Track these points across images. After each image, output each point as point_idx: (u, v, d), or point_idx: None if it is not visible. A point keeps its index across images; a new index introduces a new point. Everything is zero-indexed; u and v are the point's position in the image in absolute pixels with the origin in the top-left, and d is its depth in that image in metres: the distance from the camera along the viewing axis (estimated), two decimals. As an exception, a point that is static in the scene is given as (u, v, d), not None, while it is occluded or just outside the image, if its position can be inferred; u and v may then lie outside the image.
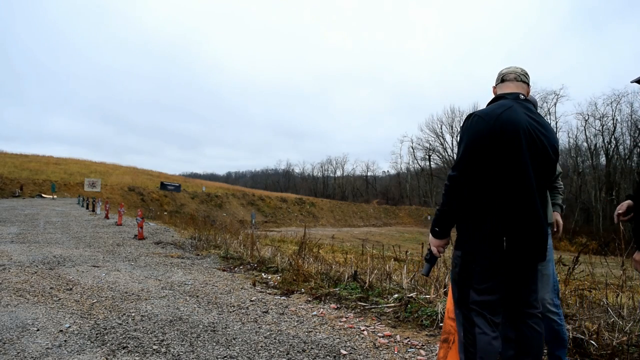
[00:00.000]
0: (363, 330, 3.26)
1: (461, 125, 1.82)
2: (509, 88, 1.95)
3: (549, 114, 44.82)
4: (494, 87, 2.06)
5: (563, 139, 48.05)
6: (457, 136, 61.03)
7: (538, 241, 1.73)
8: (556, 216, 2.37)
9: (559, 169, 2.47)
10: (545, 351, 2.28)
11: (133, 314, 3.57)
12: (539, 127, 1.78)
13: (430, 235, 1.91)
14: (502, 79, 2.00)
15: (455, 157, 1.89)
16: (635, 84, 1.94)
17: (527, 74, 2.00)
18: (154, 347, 2.83)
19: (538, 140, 1.75)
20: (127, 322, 3.35)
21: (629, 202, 1.85)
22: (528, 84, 1.98)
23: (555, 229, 2.35)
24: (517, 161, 1.69)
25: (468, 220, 1.76)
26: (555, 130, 44.76)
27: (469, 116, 1.79)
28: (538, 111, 2.42)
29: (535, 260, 1.78)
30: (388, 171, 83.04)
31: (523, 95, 1.90)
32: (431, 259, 1.93)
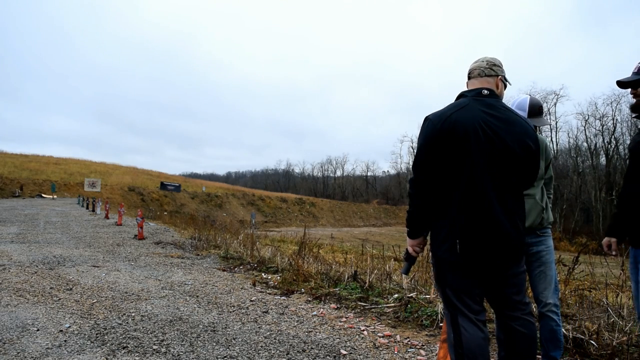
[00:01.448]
0: (363, 330, 3.26)
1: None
2: (472, 85, 1.89)
3: (549, 114, 44.79)
4: (467, 84, 1.98)
5: (563, 139, 48.25)
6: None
7: (497, 244, 1.65)
8: None
9: (550, 173, 2.41)
10: (544, 351, 2.29)
11: (133, 314, 3.57)
12: (499, 123, 1.69)
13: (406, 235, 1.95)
14: (468, 75, 1.93)
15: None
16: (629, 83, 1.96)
17: (495, 65, 1.87)
18: (154, 347, 2.83)
19: (496, 137, 1.66)
20: (127, 322, 3.35)
21: (609, 239, 2.15)
22: (498, 75, 1.85)
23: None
24: (467, 162, 1.65)
25: (432, 223, 1.80)
26: (556, 129, 44.93)
27: (424, 119, 1.79)
28: (540, 112, 2.42)
29: (500, 263, 1.69)
30: (388, 171, 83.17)
31: (487, 90, 1.80)
32: (408, 258, 1.95)
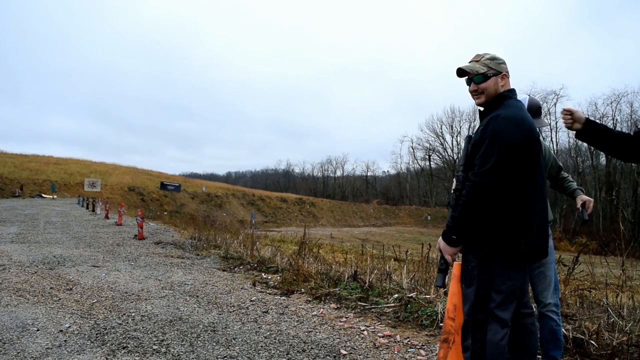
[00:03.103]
0: (363, 330, 3.26)
1: (486, 127, 1.73)
2: (508, 84, 1.87)
3: (549, 114, 44.80)
4: (504, 75, 1.86)
5: (563, 139, 48.01)
6: (457, 136, 61.11)
7: (543, 243, 1.77)
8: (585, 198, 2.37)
9: (558, 163, 2.49)
10: (544, 351, 2.29)
11: (133, 314, 3.57)
12: None
13: (442, 243, 1.81)
14: (506, 72, 1.86)
15: (469, 160, 1.83)
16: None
17: None
18: (154, 347, 2.83)
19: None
20: (127, 322, 3.35)
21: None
22: None
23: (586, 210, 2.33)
24: (537, 167, 1.74)
25: (487, 226, 1.72)
26: (556, 129, 44.92)
27: (496, 118, 1.71)
28: (539, 113, 2.45)
29: (540, 260, 1.86)
30: (388, 171, 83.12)
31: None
32: (446, 269, 1.83)
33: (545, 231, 1.78)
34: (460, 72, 1.87)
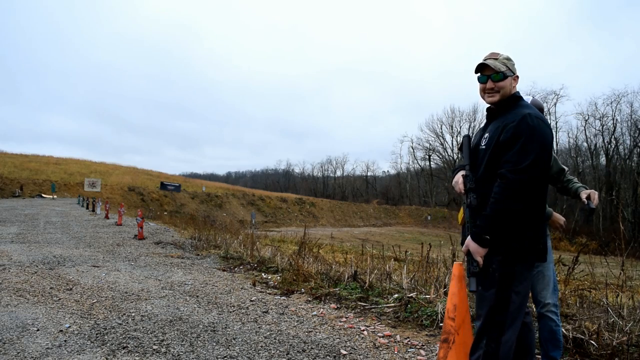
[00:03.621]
0: (363, 330, 3.26)
1: (520, 125, 1.69)
2: (516, 84, 1.92)
3: (549, 114, 44.79)
4: (515, 77, 1.88)
5: (563, 139, 48.05)
6: (457, 136, 61.05)
7: (547, 243, 1.88)
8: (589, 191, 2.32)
9: (564, 167, 2.48)
10: (544, 351, 2.29)
11: (133, 314, 3.57)
12: None
13: (472, 244, 1.73)
14: (516, 73, 1.89)
15: (487, 158, 1.81)
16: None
17: None
18: (154, 347, 2.83)
19: None
20: (127, 322, 3.35)
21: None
22: None
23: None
24: (550, 167, 1.81)
25: (513, 225, 1.69)
26: (556, 129, 44.94)
27: (528, 116, 1.70)
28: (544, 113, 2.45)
29: (545, 259, 1.89)
30: (388, 171, 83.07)
31: None
32: (479, 271, 1.73)
33: (545, 234, 1.88)
34: (481, 68, 1.86)
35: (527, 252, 1.72)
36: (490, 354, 1.69)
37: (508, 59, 1.86)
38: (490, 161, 1.77)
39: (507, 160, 1.68)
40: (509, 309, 1.69)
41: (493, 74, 1.82)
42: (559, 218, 2.35)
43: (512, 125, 1.71)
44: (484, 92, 1.88)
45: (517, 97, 1.87)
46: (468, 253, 1.75)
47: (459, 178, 1.89)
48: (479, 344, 1.75)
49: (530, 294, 2.36)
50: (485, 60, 1.86)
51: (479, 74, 1.88)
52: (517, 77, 1.89)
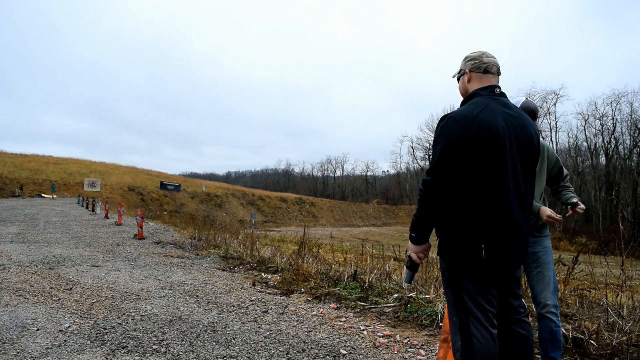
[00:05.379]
0: (363, 330, 3.26)
1: (437, 128, 1.70)
2: (488, 81, 1.78)
3: (549, 114, 44.79)
4: (469, 74, 1.83)
5: (563, 139, 48.12)
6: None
7: (518, 246, 1.67)
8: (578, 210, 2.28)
9: (565, 171, 2.45)
10: (544, 352, 2.29)
11: (133, 314, 3.57)
12: (517, 125, 1.69)
13: (409, 241, 1.81)
14: (485, 69, 1.79)
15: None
16: None
17: None
18: (154, 347, 2.83)
19: (517, 140, 1.67)
20: (127, 322, 3.35)
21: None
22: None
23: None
24: (496, 168, 1.61)
25: (446, 227, 1.70)
26: (556, 129, 44.94)
27: (444, 118, 1.69)
28: (538, 115, 2.44)
29: (517, 265, 1.75)
30: (388, 171, 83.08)
31: (499, 88, 1.77)
32: (412, 266, 1.82)
33: (519, 237, 1.67)
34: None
35: (461, 247, 1.64)
36: (466, 355, 1.67)
37: (464, 57, 1.86)
38: None
39: None
40: (468, 308, 1.66)
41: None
42: (545, 211, 2.21)
43: None
44: None
45: (472, 96, 1.77)
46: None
47: None
48: (454, 343, 1.75)
49: (530, 295, 2.37)
50: None
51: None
52: (469, 72, 1.82)
